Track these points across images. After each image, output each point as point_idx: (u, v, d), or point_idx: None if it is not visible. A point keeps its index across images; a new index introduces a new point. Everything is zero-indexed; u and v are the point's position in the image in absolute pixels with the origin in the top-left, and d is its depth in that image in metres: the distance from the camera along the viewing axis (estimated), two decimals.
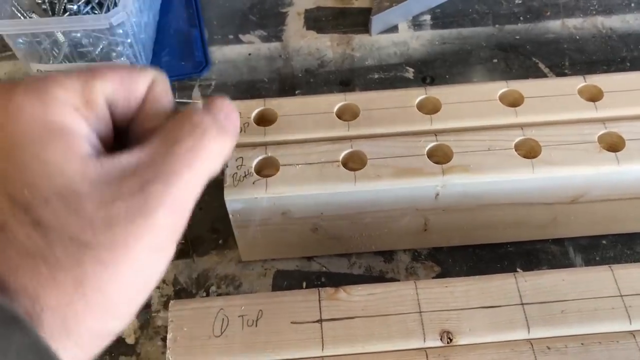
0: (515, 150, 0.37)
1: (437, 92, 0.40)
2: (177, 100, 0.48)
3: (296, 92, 0.52)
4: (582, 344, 0.30)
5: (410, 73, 0.53)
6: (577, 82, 0.40)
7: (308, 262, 0.43)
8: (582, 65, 0.53)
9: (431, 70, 0.53)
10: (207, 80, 0.53)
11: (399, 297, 0.32)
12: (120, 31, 0.47)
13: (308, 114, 0.39)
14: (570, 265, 0.42)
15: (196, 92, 0.52)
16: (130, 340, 0.40)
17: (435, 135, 0.38)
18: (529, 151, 0.37)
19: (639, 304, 0.31)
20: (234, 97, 0.51)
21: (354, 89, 0.52)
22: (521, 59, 0.53)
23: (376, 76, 0.53)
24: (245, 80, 0.53)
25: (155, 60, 0.54)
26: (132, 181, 0.21)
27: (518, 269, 0.42)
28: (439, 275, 0.42)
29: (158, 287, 0.42)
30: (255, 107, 0.39)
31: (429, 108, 0.39)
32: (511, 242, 0.43)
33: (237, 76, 0.53)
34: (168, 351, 0.31)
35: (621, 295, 0.32)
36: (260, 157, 0.37)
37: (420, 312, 0.31)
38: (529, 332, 0.31)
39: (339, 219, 0.39)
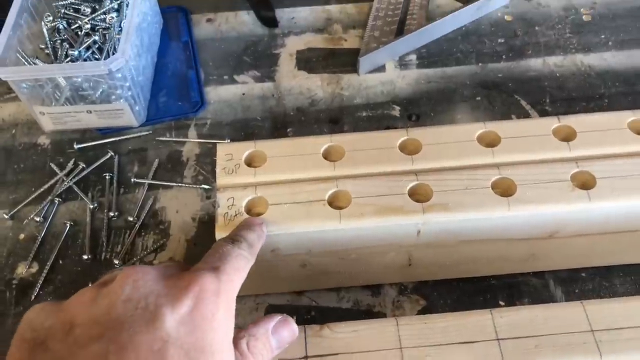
0: (492, 189, 0.39)
1: (418, 134, 0.42)
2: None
3: (288, 130, 0.54)
4: None
5: (396, 111, 0.55)
6: (551, 123, 0.42)
7: (298, 296, 0.45)
8: (562, 102, 0.55)
9: (416, 108, 0.55)
10: (203, 119, 0.55)
11: (381, 334, 0.33)
12: (119, 75, 0.49)
13: (296, 155, 0.41)
14: (550, 298, 0.44)
15: (192, 131, 0.54)
16: None
17: (416, 174, 0.40)
18: (505, 190, 0.39)
19: (608, 339, 0.33)
20: (229, 136, 0.54)
21: (343, 126, 0.54)
22: (503, 97, 0.56)
23: (364, 114, 0.55)
24: (239, 119, 0.55)
25: (153, 101, 0.56)
26: None
27: (500, 302, 0.44)
28: (425, 309, 0.44)
29: None
30: (246, 149, 0.41)
31: (411, 149, 0.41)
32: (494, 275, 0.45)
33: (232, 115, 0.55)
34: None
35: (592, 330, 0.33)
36: (250, 197, 0.39)
37: (401, 347, 0.33)
38: None
39: (326, 255, 0.40)
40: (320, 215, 0.38)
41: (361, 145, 0.42)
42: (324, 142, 0.42)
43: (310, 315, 0.44)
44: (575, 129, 0.42)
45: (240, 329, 0.32)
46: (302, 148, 0.41)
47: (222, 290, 0.30)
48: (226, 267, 0.32)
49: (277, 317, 0.34)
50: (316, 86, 0.57)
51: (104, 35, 0.53)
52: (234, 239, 0.35)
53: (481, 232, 0.39)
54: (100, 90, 0.50)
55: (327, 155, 0.42)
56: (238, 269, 0.32)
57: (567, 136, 0.42)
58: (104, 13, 0.54)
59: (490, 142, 0.41)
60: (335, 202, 0.39)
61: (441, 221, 0.38)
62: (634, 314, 0.34)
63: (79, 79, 0.49)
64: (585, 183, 0.39)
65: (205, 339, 0.28)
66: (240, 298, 0.44)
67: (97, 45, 0.52)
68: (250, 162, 0.41)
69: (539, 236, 0.40)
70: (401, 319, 0.34)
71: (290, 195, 0.39)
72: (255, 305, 0.44)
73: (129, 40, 0.49)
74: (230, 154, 0.41)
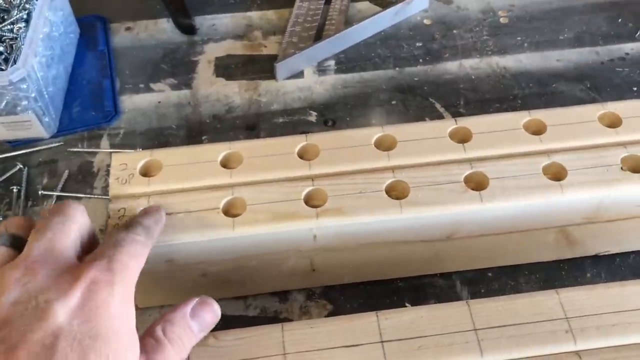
0: (387, 193, 0.39)
1: (316, 139, 0.42)
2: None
3: (203, 137, 0.54)
4: None
5: (313, 116, 0.55)
6: (449, 125, 0.42)
7: None
8: (475, 104, 0.56)
9: (333, 113, 0.55)
10: (116, 129, 0.55)
11: (265, 340, 0.33)
12: (24, 86, 0.48)
13: (193, 164, 0.41)
14: (457, 298, 0.44)
15: (105, 141, 0.54)
16: None
17: (312, 180, 0.40)
18: (400, 193, 0.39)
19: (491, 337, 0.33)
20: (142, 145, 0.53)
21: (259, 133, 0.54)
22: (418, 100, 0.56)
23: (281, 120, 0.55)
24: (154, 128, 0.55)
25: (67, 112, 0.55)
26: None
27: (407, 304, 0.44)
28: (332, 313, 0.44)
29: None
30: (141, 158, 0.41)
31: (309, 155, 0.41)
32: (401, 277, 0.45)
33: (146, 124, 0.55)
34: None
35: (475, 330, 0.34)
36: (142, 208, 0.38)
37: (285, 354, 0.33)
38: None
39: (224, 263, 0.40)
40: (213, 223, 0.38)
41: (259, 152, 0.41)
42: (222, 149, 0.42)
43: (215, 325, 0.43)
44: (472, 130, 0.42)
45: (158, 318, 0.32)
46: (199, 156, 0.41)
47: (116, 280, 0.30)
48: (119, 255, 0.31)
49: (195, 300, 0.33)
50: (233, 93, 0.57)
51: (11, 45, 0.52)
52: (128, 225, 0.34)
53: (378, 235, 0.40)
54: (5, 101, 0.49)
55: (225, 163, 0.41)
56: (133, 254, 0.32)
57: (464, 137, 0.42)
58: (12, 23, 0.53)
59: (387, 145, 0.42)
60: (231, 210, 0.39)
61: (335, 225, 0.38)
62: (517, 312, 0.34)
63: None
64: (479, 184, 0.40)
65: (100, 327, 0.28)
66: (144, 310, 0.44)
67: (2, 56, 0.51)
68: (146, 172, 0.41)
69: (437, 238, 0.41)
70: (287, 324, 0.34)
71: (184, 205, 0.39)
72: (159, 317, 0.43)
73: (33, 51, 0.48)
74: (124, 163, 0.41)
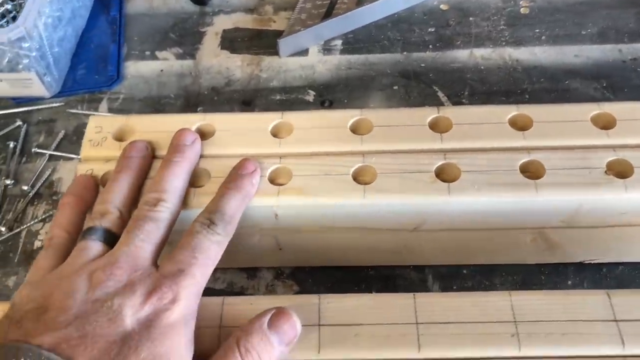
0: (355, 177, 0.38)
1: (291, 118, 0.41)
2: None
3: (198, 109, 0.54)
4: None
5: (311, 96, 0.54)
6: (429, 113, 0.41)
7: None
8: (480, 96, 0.54)
9: (332, 94, 0.54)
10: (117, 94, 0.55)
11: (203, 312, 0.33)
12: (26, 45, 0.50)
13: (163, 132, 0.41)
14: (426, 291, 0.43)
15: (103, 105, 0.55)
16: None
17: (280, 158, 0.39)
18: (368, 178, 0.38)
19: (431, 332, 0.32)
20: (139, 112, 0.54)
21: (254, 108, 0.54)
22: (421, 87, 0.55)
23: (278, 97, 0.55)
24: (153, 96, 0.55)
25: (72, 73, 0.56)
26: None
27: (373, 292, 0.43)
28: (298, 294, 0.44)
29: None
30: (116, 123, 0.41)
31: (281, 133, 0.41)
32: (373, 266, 0.44)
33: (146, 91, 0.55)
34: None
35: (416, 323, 0.32)
36: (107, 170, 0.39)
37: (221, 326, 0.33)
38: (319, 352, 0.32)
39: None
40: None
41: (232, 126, 0.41)
42: (196, 120, 0.42)
43: None
44: (453, 120, 0.40)
45: (237, 327, 0.32)
46: (172, 124, 0.41)
47: (181, 297, 0.32)
48: (191, 269, 0.33)
49: (272, 311, 0.32)
50: (236, 66, 0.57)
51: (20, 4, 0.53)
52: (210, 219, 0.35)
53: (341, 219, 0.39)
54: (7, 58, 0.50)
55: (200, 133, 0.41)
56: (205, 264, 0.33)
57: (443, 128, 0.40)
58: None
59: (362, 130, 0.41)
60: (196, 182, 0.39)
61: (296, 205, 0.38)
62: (463, 309, 0.33)
63: None
64: (451, 176, 0.38)
65: (158, 345, 0.30)
66: None
67: (12, 14, 0.53)
68: (120, 137, 0.41)
69: (403, 228, 0.39)
70: (228, 298, 0.34)
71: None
72: None
73: (34, 11, 0.49)
74: (100, 126, 0.41)
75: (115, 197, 0.36)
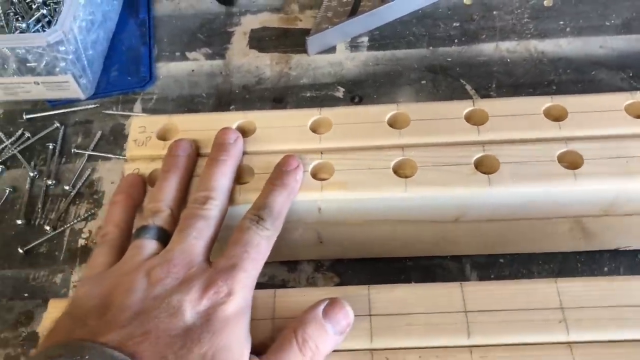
0: (396, 170, 0.39)
1: (330, 114, 0.42)
2: None
3: (231, 107, 0.55)
4: (419, 357, 0.32)
5: (340, 92, 0.55)
6: (465, 106, 0.42)
7: None
8: (508, 88, 0.54)
9: (361, 90, 0.55)
10: (150, 94, 0.56)
11: (255, 303, 0.34)
12: (62, 48, 0.51)
13: (209, 130, 0.42)
14: (465, 281, 0.44)
15: (138, 106, 0.56)
16: None
17: (321, 153, 0.40)
18: (409, 171, 0.39)
19: (480, 320, 0.33)
20: (173, 111, 0.55)
21: (286, 106, 0.55)
22: (449, 81, 0.55)
23: (308, 94, 0.55)
24: (185, 95, 0.56)
25: (105, 75, 0.57)
26: None
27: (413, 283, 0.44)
28: (337, 286, 0.44)
29: None
30: (159, 122, 0.42)
31: (321, 129, 0.42)
32: (411, 257, 0.45)
33: (178, 91, 0.56)
34: None
35: (465, 311, 0.33)
36: (154, 168, 0.40)
37: (274, 318, 0.34)
38: (371, 341, 0.33)
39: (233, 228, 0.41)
40: None
41: (273, 123, 0.42)
42: (237, 118, 0.43)
43: None
44: (489, 112, 0.41)
45: (290, 318, 0.33)
46: (215, 123, 0.42)
47: (236, 290, 0.32)
48: (243, 263, 0.34)
49: (326, 301, 0.33)
50: (265, 65, 0.58)
51: (54, 9, 0.54)
52: (259, 215, 0.36)
53: (382, 212, 0.40)
54: (44, 62, 0.51)
55: (240, 131, 0.42)
56: (256, 259, 0.34)
57: (479, 120, 0.41)
58: None
59: (400, 124, 0.41)
60: (240, 178, 0.40)
61: (339, 199, 0.39)
62: (510, 296, 0.34)
63: (23, 51, 0.50)
64: (490, 168, 0.39)
65: (217, 336, 0.31)
66: None
67: (47, 19, 0.54)
68: (164, 136, 0.42)
69: (445, 220, 0.40)
70: (279, 290, 0.35)
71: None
72: None
73: (70, 15, 0.50)
74: (143, 126, 0.42)
75: (166, 195, 0.37)
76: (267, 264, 0.45)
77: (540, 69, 0.56)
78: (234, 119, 0.43)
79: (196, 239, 0.35)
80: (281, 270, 0.45)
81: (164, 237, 0.36)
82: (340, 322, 0.32)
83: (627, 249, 0.44)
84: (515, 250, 0.44)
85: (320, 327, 0.32)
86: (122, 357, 0.29)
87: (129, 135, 0.42)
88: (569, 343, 0.32)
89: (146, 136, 0.42)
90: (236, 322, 0.32)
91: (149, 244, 0.35)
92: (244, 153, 0.41)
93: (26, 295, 0.45)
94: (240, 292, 0.33)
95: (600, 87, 0.54)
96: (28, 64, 0.52)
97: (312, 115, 0.42)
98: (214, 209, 0.36)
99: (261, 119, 0.42)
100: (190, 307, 0.31)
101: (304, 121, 0.42)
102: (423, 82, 0.55)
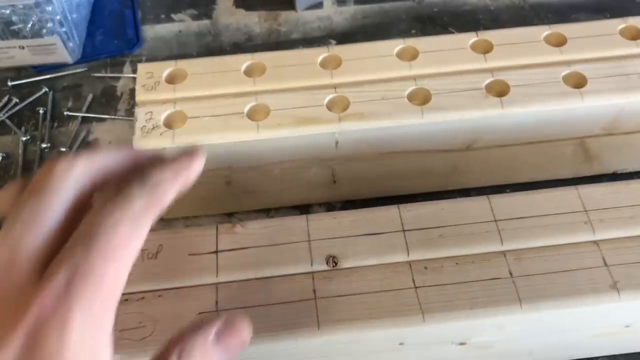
0: (409, 100, 0.40)
1: (338, 50, 0.42)
2: None
3: None
4: (456, 263, 0.33)
5: (333, 45, 0.56)
6: (470, 37, 0.43)
7: (228, 218, 0.45)
8: None
9: (352, 41, 0.56)
10: (138, 56, 0.55)
11: (290, 229, 0.34)
12: (49, 8, 0.49)
13: (217, 72, 0.41)
14: None
15: (127, 68, 0.54)
16: None
17: (335, 88, 0.40)
18: (422, 100, 0.40)
19: (511, 227, 0.34)
20: None
21: None
22: (438, 30, 0.56)
23: (301, 48, 0.55)
24: (175, 55, 0.55)
25: (90, 39, 0.56)
26: None
27: None
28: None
29: None
30: (166, 67, 0.42)
31: (332, 65, 0.42)
32: (420, 193, 0.46)
33: (167, 52, 0.56)
34: None
35: (495, 220, 0.34)
36: (168, 112, 0.39)
37: (309, 240, 0.34)
38: (408, 254, 0.33)
39: (248, 170, 0.41)
40: (238, 126, 0.39)
41: (283, 62, 0.42)
42: (245, 60, 0.42)
43: None
44: (492, 42, 0.42)
45: (173, 338, 0.25)
46: (223, 65, 0.42)
47: (75, 307, 0.20)
48: (86, 264, 0.21)
49: (218, 322, 0.25)
50: (253, 23, 0.58)
51: None
52: (126, 184, 0.23)
53: (398, 142, 0.40)
54: (31, 23, 0.50)
55: (249, 73, 0.42)
56: (115, 247, 0.21)
57: (485, 49, 0.42)
58: None
59: (409, 57, 0.42)
60: (255, 116, 0.40)
61: (357, 130, 0.39)
62: (536, 204, 0.35)
63: (7, 11, 0.48)
64: (500, 92, 0.40)
65: None
66: (167, 221, 0.45)
67: None
68: (171, 81, 0.42)
69: (457, 147, 0.41)
70: (311, 215, 0.35)
71: (209, 109, 0.40)
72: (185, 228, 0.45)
73: None
74: (150, 72, 0.41)
75: None
76: (279, 209, 0.46)
77: (523, 15, 0.57)
78: (241, 60, 0.42)
79: (21, 236, 0.22)
80: (293, 214, 0.45)
81: None
82: (234, 348, 0.25)
83: (624, 171, 0.46)
84: (520, 179, 0.46)
85: (209, 355, 0.25)
86: None
87: (136, 81, 0.41)
88: (596, 241, 0.33)
89: (154, 81, 0.41)
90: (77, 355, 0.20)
91: None
92: (267, 92, 0.40)
93: None
94: (85, 308, 0.21)
95: None
96: (12, 27, 0.50)
97: (321, 52, 0.42)
98: (56, 178, 0.24)
99: (271, 59, 0.42)
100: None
101: (313, 59, 0.42)
102: (413, 31, 0.56)
